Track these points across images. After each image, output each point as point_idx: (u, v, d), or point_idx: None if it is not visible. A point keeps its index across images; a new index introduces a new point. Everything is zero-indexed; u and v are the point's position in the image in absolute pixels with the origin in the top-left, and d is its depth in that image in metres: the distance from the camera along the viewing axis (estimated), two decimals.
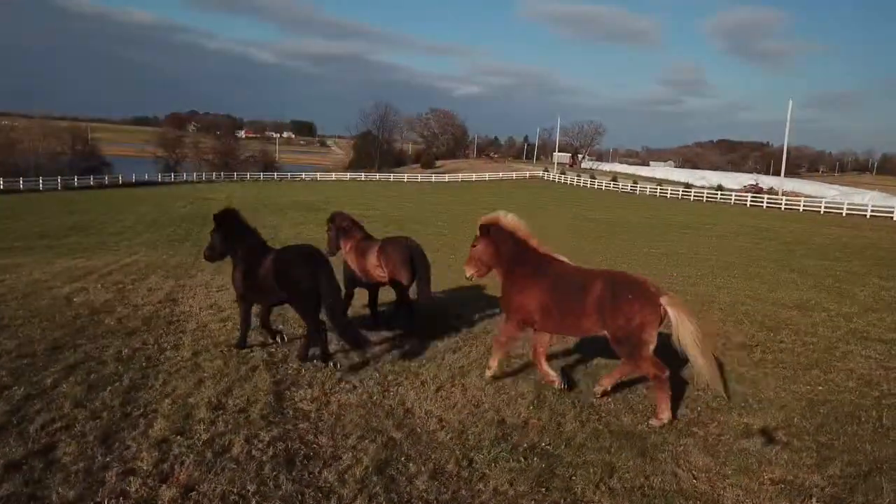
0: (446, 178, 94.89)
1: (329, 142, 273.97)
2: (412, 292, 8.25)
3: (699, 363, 5.46)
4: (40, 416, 5.11)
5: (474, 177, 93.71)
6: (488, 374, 6.43)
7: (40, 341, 7.21)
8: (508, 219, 6.22)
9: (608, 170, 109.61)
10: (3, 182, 57.88)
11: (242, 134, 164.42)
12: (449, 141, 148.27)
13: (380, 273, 8.05)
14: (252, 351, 7.15)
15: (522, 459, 4.76)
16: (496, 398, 6.02)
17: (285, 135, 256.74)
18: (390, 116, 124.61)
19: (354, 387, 6.16)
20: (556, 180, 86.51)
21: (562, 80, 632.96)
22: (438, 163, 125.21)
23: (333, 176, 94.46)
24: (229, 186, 66.11)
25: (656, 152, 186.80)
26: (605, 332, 5.75)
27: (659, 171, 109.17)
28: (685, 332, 5.41)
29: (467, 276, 6.51)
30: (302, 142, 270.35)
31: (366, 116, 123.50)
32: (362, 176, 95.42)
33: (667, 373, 5.57)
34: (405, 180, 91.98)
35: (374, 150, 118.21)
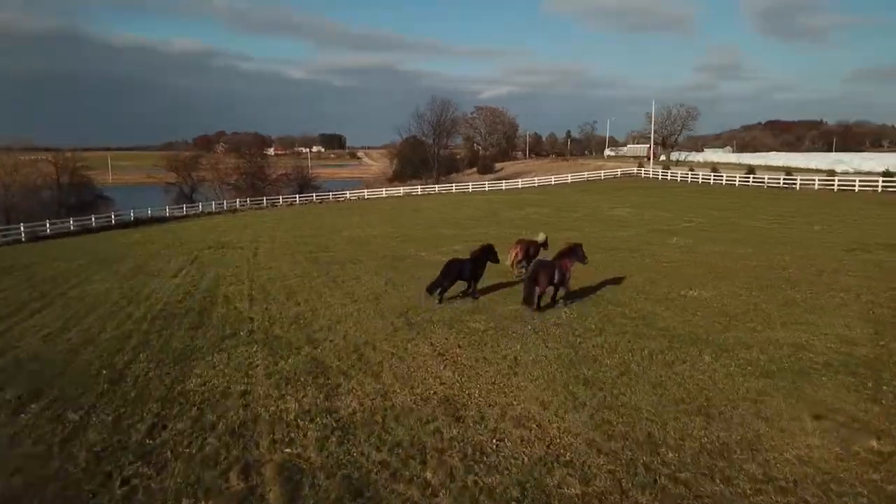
0: (519, 183, 78.68)
1: (360, 153, 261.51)
2: None
3: None
4: None
5: (553, 179, 77.80)
6: None
7: None
8: None
9: (701, 160, 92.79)
10: None
11: (272, 151, 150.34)
12: (500, 141, 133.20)
13: None
14: None
15: None
16: None
17: (315, 149, 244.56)
18: (450, 114, 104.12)
19: None
20: (660, 177, 70.14)
21: (596, 73, 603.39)
22: (497, 166, 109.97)
23: (384, 192, 78.68)
24: (257, 218, 50.38)
25: (700, 139, 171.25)
26: None
27: (773, 158, 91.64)
28: None
29: None
30: (332, 155, 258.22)
31: (420, 117, 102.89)
32: (418, 189, 79.94)
33: None
34: (469, 189, 75.88)
35: (431, 158, 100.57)
